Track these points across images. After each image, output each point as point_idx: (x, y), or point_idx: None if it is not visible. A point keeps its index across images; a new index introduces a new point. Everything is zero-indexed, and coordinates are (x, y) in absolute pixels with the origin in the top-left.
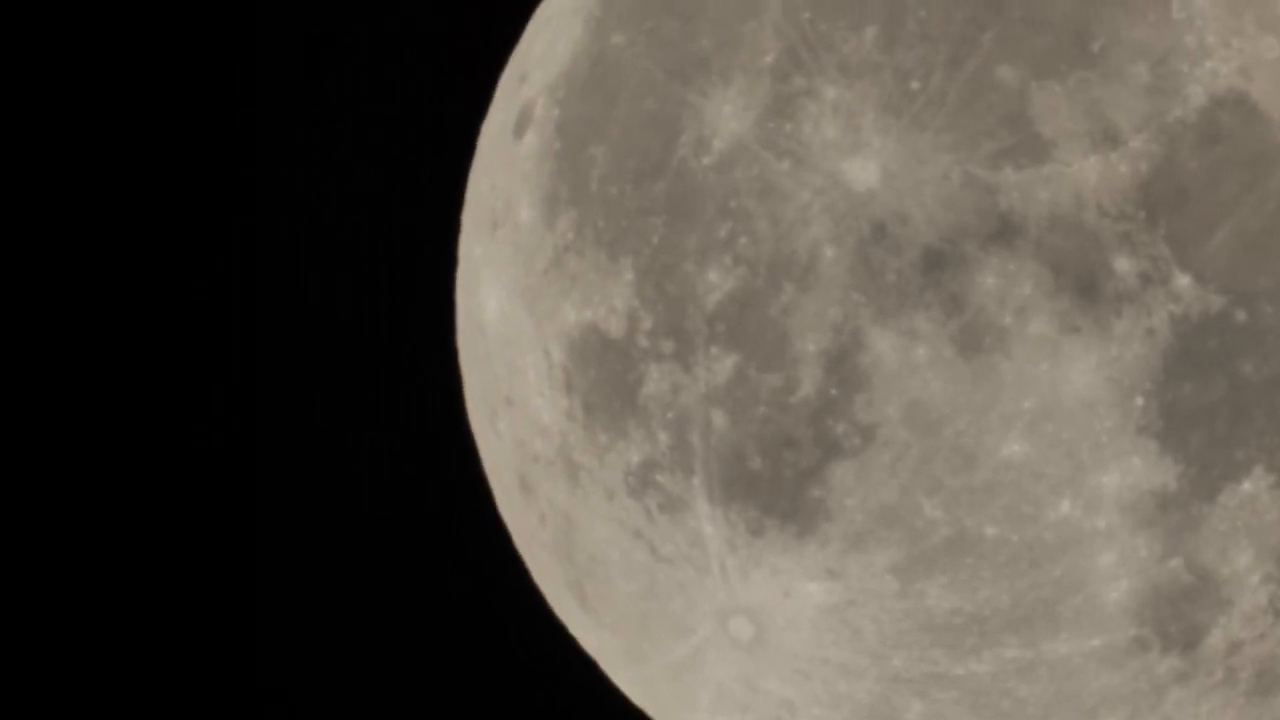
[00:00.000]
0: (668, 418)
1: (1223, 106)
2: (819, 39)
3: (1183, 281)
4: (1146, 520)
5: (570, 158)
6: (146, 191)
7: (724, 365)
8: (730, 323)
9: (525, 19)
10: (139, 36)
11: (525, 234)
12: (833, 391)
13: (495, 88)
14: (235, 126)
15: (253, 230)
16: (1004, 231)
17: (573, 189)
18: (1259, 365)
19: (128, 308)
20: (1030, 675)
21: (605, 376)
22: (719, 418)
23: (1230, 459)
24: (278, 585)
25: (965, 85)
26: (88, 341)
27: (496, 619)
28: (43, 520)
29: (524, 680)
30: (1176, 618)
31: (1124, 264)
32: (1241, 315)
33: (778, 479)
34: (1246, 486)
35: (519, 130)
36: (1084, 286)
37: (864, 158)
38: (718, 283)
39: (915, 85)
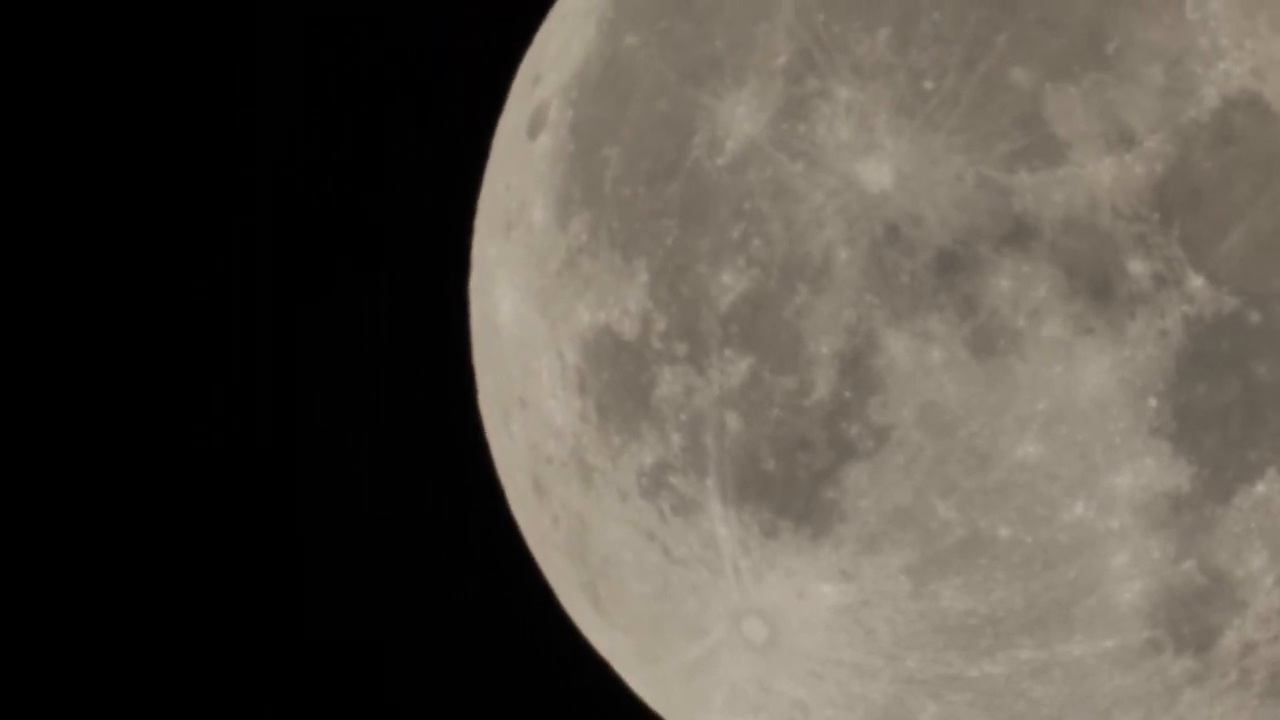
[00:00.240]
0: (681, 419)
1: (1236, 108)
2: (832, 40)
3: (1196, 283)
4: (1160, 522)
5: (584, 159)
6: (153, 192)
7: (738, 367)
8: (744, 325)
9: (539, 20)
10: (151, 36)
11: (539, 235)
12: (847, 393)
13: (509, 89)
14: (250, 129)
15: (267, 232)
16: (1018, 233)
17: (586, 190)
18: (1272, 366)
19: (138, 310)
20: (1044, 677)
21: (619, 378)
22: (733, 420)
23: (1244, 460)
24: (291, 586)
25: (979, 86)
26: (94, 343)
27: (510, 621)
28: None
29: (537, 682)
30: (1190, 619)
31: (1138, 265)
32: (1255, 316)
33: (791, 481)
34: (1260, 488)
35: (533, 131)
36: (1098, 288)
37: (877, 159)
38: (731, 284)
39: (929, 86)
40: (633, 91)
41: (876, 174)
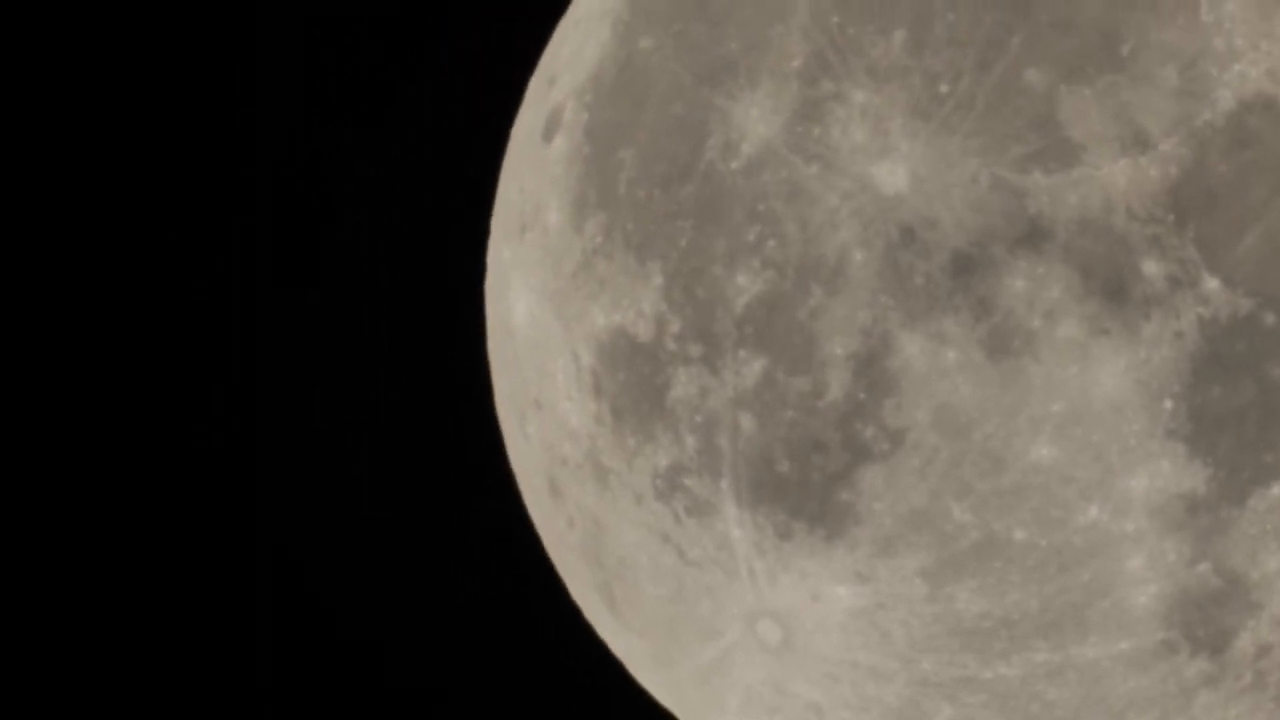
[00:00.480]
0: (696, 421)
1: (1251, 110)
2: (847, 43)
3: (1211, 285)
4: (1175, 524)
5: (599, 161)
6: (153, 192)
7: (752, 369)
8: (758, 326)
9: (553, 23)
10: (151, 36)
11: (554, 237)
12: (861, 395)
13: (524, 91)
14: (268, 131)
15: (283, 235)
16: (1033, 235)
17: (601, 192)
18: None
19: (138, 309)
20: (1059, 679)
21: (633, 380)
22: (747, 421)
23: (1259, 462)
24: (306, 588)
25: (993, 89)
26: (95, 342)
27: (525, 622)
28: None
29: (553, 683)
30: (1205, 621)
31: (1153, 267)
32: (1270, 318)
33: (806, 482)
34: (1275, 490)
35: (548, 134)
36: (1113, 290)
37: (892, 161)
38: (746, 286)
39: (943, 89)
40: (648, 94)
41: (891, 176)
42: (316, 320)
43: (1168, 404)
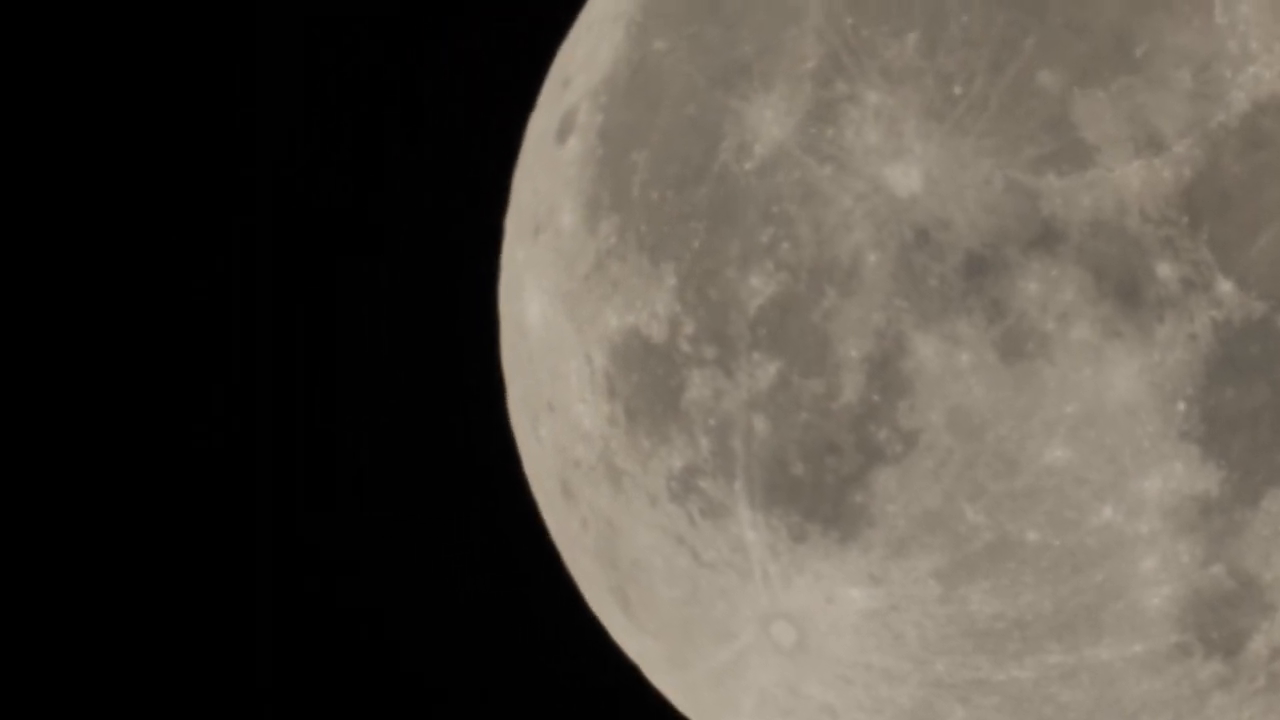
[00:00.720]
0: (710, 423)
1: (1265, 112)
2: (861, 44)
3: (1225, 287)
4: (1189, 525)
5: (612, 163)
6: (153, 192)
7: (766, 371)
8: (772, 328)
9: (568, 25)
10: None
11: (567, 239)
12: (875, 397)
13: (538, 93)
14: (285, 133)
15: (297, 235)
16: (1046, 237)
17: (615, 194)
18: None
19: (139, 309)
20: (1072, 681)
21: (647, 382)
22: (761, 423)
23: (1273, 464)
24: (317, 592)
25: (1007, 90)
26: (95, 342)
27: (539, 624)
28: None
29: (566, 685)
30: (1218, 623)
31: (1166, 269)
32: None
33: (820, 485)
34: None
35: (561, 135)
36: (1126, 292)
37: (906, 163)
38: (760, 288)
39: (957, 90)
40: (661, 96)
41: (905, 178)
42: (328, 322)
43: (1181, 406)
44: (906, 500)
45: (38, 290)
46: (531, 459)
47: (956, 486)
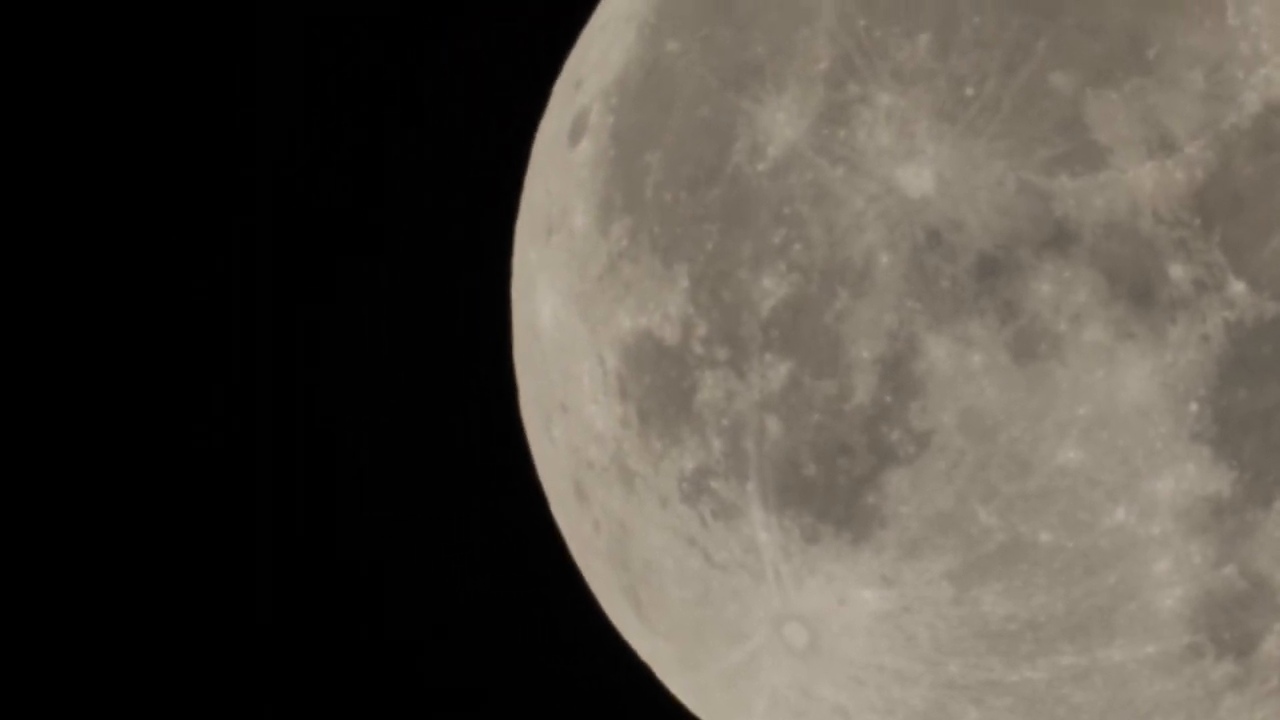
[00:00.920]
0: (722, 424)
1: (1277, 113)
2: (873, 46)
3: (1237, 288)
4: (1201, 527)
5: (625, 164)
6: (153, 192)
7: (778, 372)
8: (784, 329)
9: (580, 26)
10: (151, 36)
11: (580, 240)
12: (887, 398)
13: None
14: (301, 135)
15: (309, 237)
16: (1059, 238)
17: (627, 196)
18: None
19: (139, 309)
20: (1085, 682)
21: (660, 383)
22: (773, 424)
23: None
24: (328, 593)
25: (1020, 92)
26: (96, 343)
27: (550, 626)
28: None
29: (578, 687)
30: (1231, 624)
31: (1179, 270)
32: None
33: (832, 486)
34: None
35: (574, 137)
36: (1139, 293)
37: (918, 164)
38: (772, 289)
39: (970, 92)
40: (674, 97)
41: (917, 179)
42: (338, 323)
43: (1193, 407)
44: (919, 501)
45: (38, 290)
46: (544, 460)
47: (969, 488)
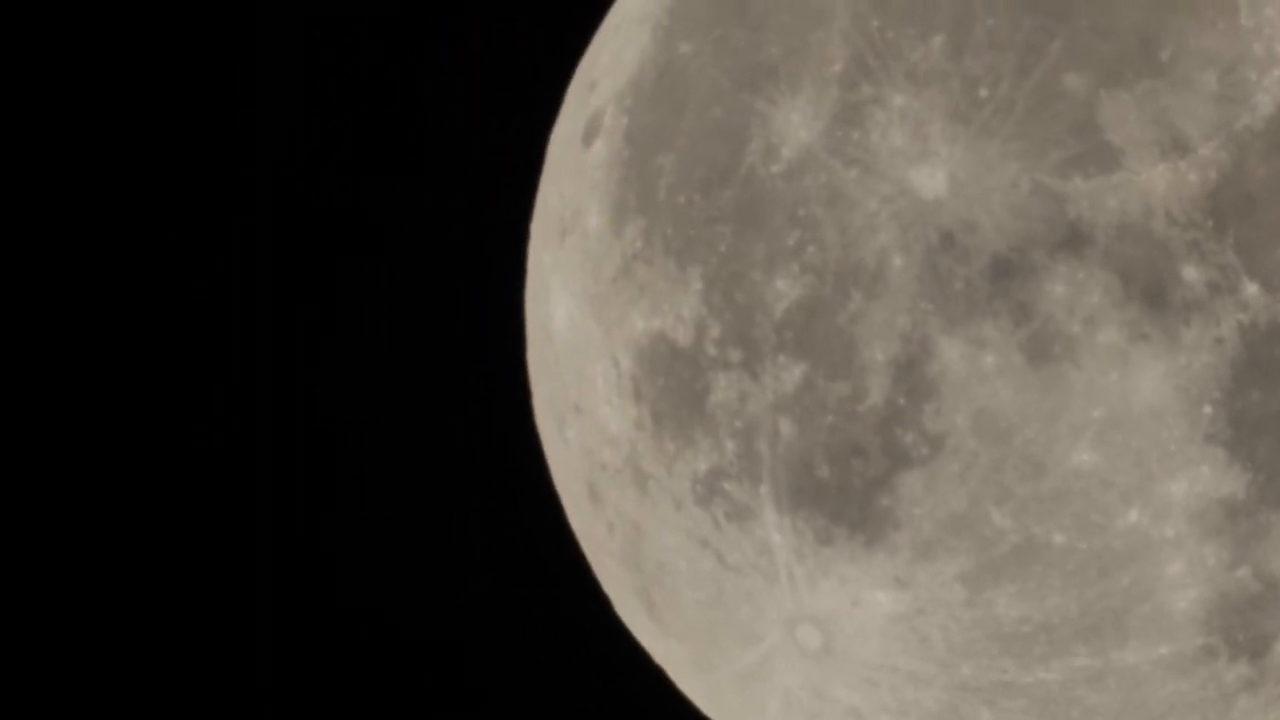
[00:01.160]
0: (735, 426)
1: None
2: (887, 47)
3: (1251, 290)
4: (1215, 529)
5: (638, 166)
6: (153, 192)
7: (792, 374)
8: (798, 331)
9: (593, 28)
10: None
11: (593, 242)
12: (901, 400)
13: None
14: (316, 137)
15: (321, 238)
16: (1072, 240)
17: (641, 197)
18: None
19: (139, 309)
20: (1099, 684)
21: (673, 385)
22: (787, 426)
23: None
24: (342, 591)
25: (1033, 93)
26: (96, 343)
27: (564, 627)
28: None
29: (592, 688)
30: (1244, 626)
31: (1192, 272)
32: None
33: (846, 488)
34: None
35: (587, 138)
36: (1152, 295)
37: (932, 166)
38: (785, 291)
39: (983, 93)
40: (687, 99)
41: (931, 181)
42: (356, 323)
43: (1207, 409)
44: (932, 503)
45: (38, 290)
46: (558, 461)
47: (982, 490)
